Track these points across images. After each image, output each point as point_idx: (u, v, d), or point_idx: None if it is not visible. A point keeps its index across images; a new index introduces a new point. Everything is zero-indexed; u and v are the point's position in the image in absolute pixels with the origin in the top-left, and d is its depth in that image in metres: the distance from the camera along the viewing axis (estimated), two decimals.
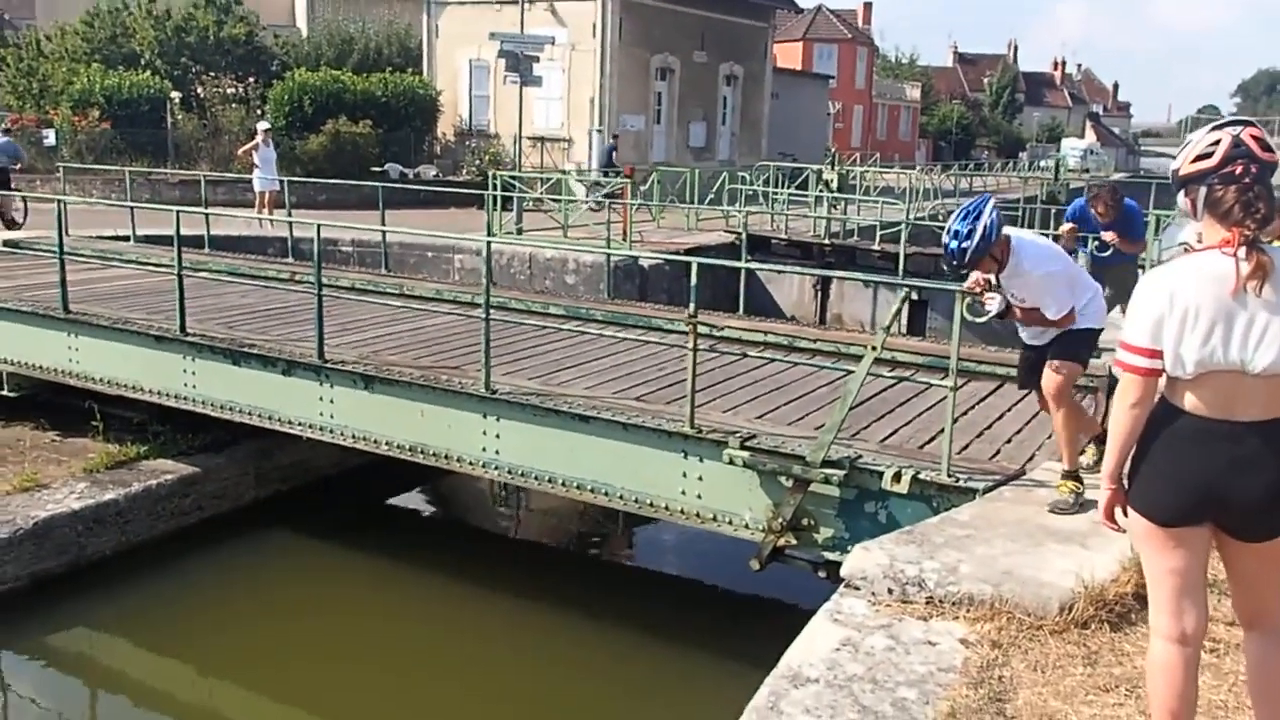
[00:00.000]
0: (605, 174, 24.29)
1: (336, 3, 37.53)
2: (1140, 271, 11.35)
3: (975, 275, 5.67)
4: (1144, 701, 3.76)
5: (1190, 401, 3.04)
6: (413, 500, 11.95)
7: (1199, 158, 3.10)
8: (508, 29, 24.70)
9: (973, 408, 8.04)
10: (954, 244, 5.33)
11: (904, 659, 4.11)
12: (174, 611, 8.83)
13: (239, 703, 7.86)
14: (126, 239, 15.69)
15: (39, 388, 10.69)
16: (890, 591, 4.65)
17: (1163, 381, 3.09)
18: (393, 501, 11.75)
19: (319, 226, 9.14)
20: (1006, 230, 5.47)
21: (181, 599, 8.99)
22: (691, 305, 7.10)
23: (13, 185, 18.40)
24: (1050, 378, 5.60)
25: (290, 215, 15.43)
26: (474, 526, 11.99)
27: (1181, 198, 3.16)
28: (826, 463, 6.42)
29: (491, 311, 7.98)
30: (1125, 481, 3.18)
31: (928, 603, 4.55)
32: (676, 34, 30.93)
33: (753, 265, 12.04)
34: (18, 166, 18.77)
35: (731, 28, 33.34)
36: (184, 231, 9.72)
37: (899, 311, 6.53)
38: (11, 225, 17.22)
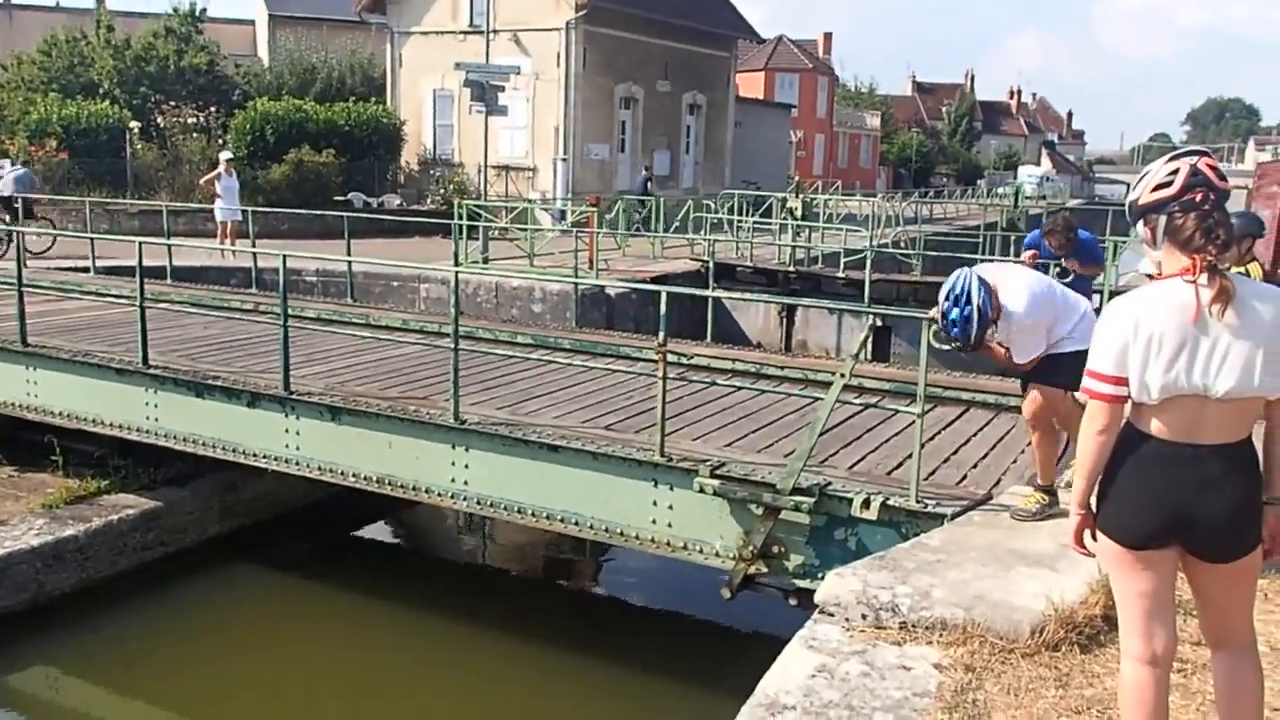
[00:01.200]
0: (642, 203, 24.96)
1: (298, 32, 37.52)
2: (1096, 298, 11.55)
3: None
4: None
5: (1156, 426, 3.08)
6: (379, 531, 11.86)
7: (1158, 186, 3.16)
8: (472, 58, 24.70)
9: (939, 433, 8.09)
10: (957, 331, 5.42)
11: (879, 684, 4.11)
12: (137, 648, 8.69)
13: None
14: (86, 270, 15.53)
15: None
16: (864, 617, 4.65)
17: (1128, 407, 3.13)
18: (359, 533, 11.65)
19: (284, 256, 9.05)
20: (992, 278, 5.51)
21: (144, 636, 8.86)
22: (661, 334, 7.11)
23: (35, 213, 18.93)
24: (1028, 403, 5.68)
25: (254, 245, 15.31)
26: (441, 558, 11.91)
27: (1141, 227, 3.22)
28: (796, 490, 6.44)
29: (460, 341, 7.95)
30: (1093, 507, 3.22)
31: (901, 628, 4.55)
32: (640, 63, 31.14)
33: (720, 294, 12.08)
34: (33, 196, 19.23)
35: (694, 57, 33.62)
36: (145, 262, 9.62)
37: (867, 339, 6.57)
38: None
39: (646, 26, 30.81)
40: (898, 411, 7.98)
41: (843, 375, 6.35)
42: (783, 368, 10.09)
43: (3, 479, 10.17)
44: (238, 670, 8.49)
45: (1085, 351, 5.71)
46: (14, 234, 17.10)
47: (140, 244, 9.98)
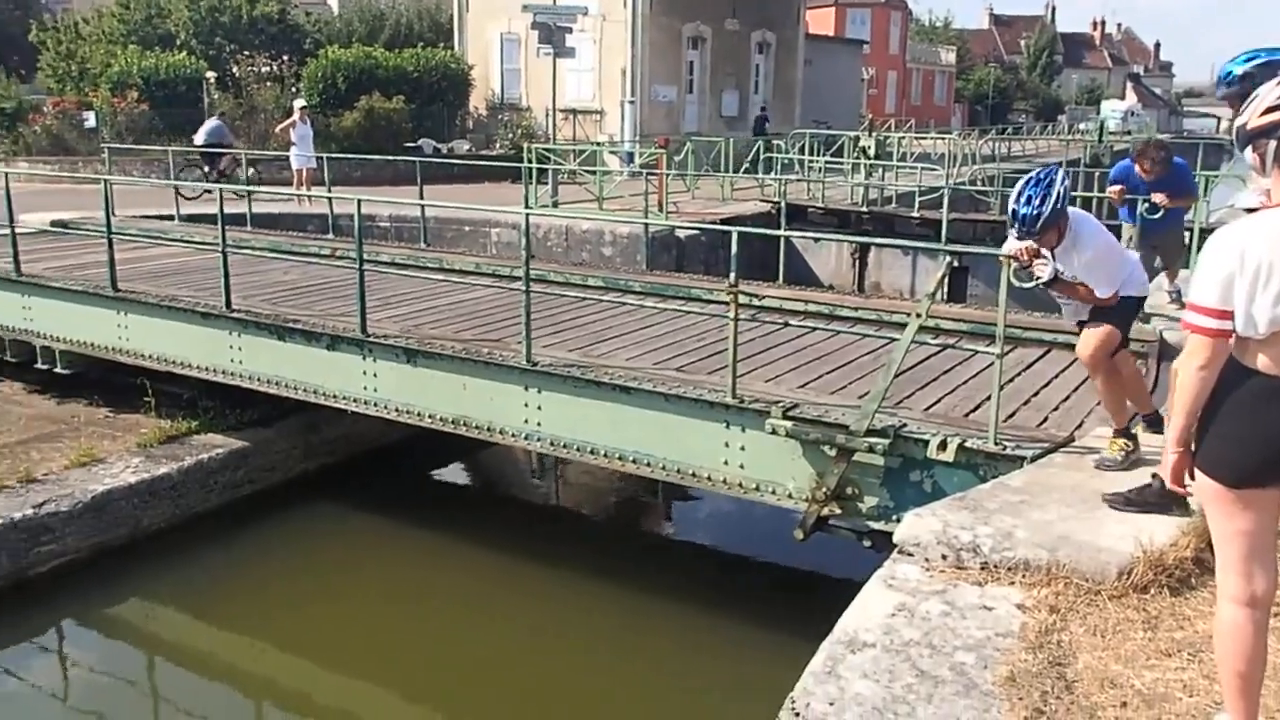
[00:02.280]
0: (765, 144, 24.75)
1: None
2: (1186, 237, 11.21)
3: (1022, 244, 5.60)
4: (1207, 665, 3.76)
5: (1261, 361, 3.00)
6: (454, 473, 12.07)
7: (1269, 110, 3.04)
8: (538, 1, 24.62)
9: (1019, 375, 7.98)
10: (1027, 210, 5.27)
11: (960, 624, 4.11)
12: (225, 581, 8.99)
13: (287, 667, 7.99)
14: (170, 219, 15.85)
15: (89, 365, 10.85)
16: (944, 557, 4.65)
17: (1232, 341, 3.05)
18: (435, 474, 11.86)
19: (359, 201, 9.17)
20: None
21: (233, 569, 9.16)
22: (732, 274, 7.07)
23: (221, 165, 20.06)
24: (1083, 340, 5.54)
25: (330, 191, 15.49)
26: (515, 498, 12.08)
27: (1249, 154, 3.11)
28: (871, 431, 6.38)
29: (531, 284, 7.99)
30: (1193, 445, 3.16)
31: (982, 568, 4.54)
32: (707, 2, 30.69)
33: (790, 234, 11.99)
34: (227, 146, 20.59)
35: None
36: (226, 210, 9.79)
37: (944, 278, 6.48)
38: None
39: None
40: (976, 353, 7.86)
41: (918, 315, 6.25)
42: (856, 309, 10.00)
43: (99, 420, 10.50)
44: (318, 602, 8.74)
45: (1135, 298, 5.61)
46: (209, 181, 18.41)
47: (221, 190, 10.14)
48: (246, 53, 29.99)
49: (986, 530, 4.71)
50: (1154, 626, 4.04)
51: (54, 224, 14.49)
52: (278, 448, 10.46)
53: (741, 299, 7.33)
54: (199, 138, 20.54)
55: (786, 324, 9.40)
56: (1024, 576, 4.44)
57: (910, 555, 4.75)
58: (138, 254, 12.45)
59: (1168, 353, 8.66)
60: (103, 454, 9.56)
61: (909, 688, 3.67)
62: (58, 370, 10.83)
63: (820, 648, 3.98)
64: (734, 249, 7.04)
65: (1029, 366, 8.26)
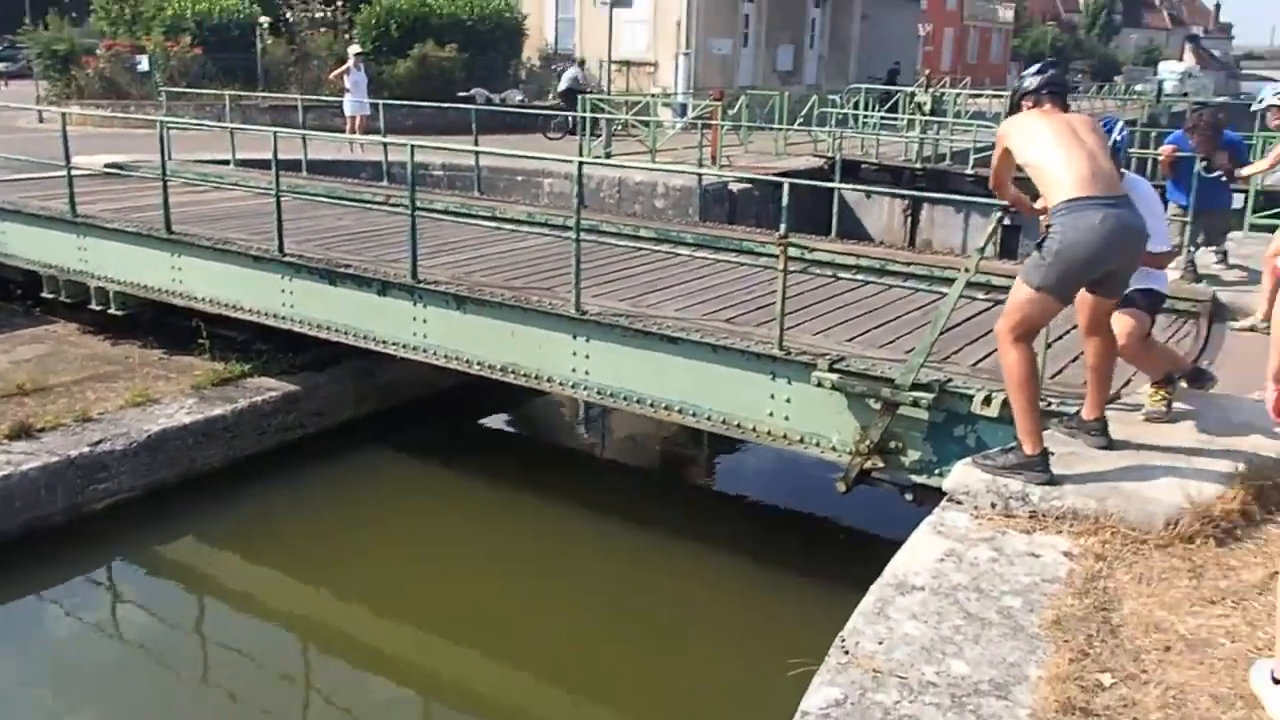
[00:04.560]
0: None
1: None
2: (1240, 197, 11.02)
3: None
4: (1250, 613, 3.78)
5: None
6: (503, 421, 12.19)
7: None
8: None
9: (1068, 332, 7.88)
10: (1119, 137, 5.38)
11: (1008, 569, 4.14)
12: (275, 523, 9.18)
13: (330, 609, 8.17)
14: (226, 163, 16.01)
15: (144, 307, 11.03)
16: (993, 505, 4.67)
17: None
18: (484, 422, 11.99)
19: (412, 148, 9.19)
20: None
21: (283, 511, 9.34)
22: (783, 226, 7.04)
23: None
24: (1117, 333, 5.31)
25: (385, 138, 15.57)
26: (562, 446, 12.19)
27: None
28: (915, 385, 6.36)
29: (584, 235, 8.01)
30: None
31: (1030, 517, 4.56)
32: None
33: (843, 186, 11.90)
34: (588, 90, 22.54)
35: None
36: (281, 156, 9.88)
37: (994, 233, 6.40)
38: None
39: None
40: None
41: (967, 270, 6.18)
42: (908, 264, 9.91)
43: (154, 361, 10.69)
44: (364, 548, 8.89)
45: (1160, 294, 5.56)
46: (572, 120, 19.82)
47: (275, 134, 10.24)
48: None
49: None
50: (1199, 575, 4.05)
51: (108, 166, 14.69)
52: (330, 393, 10.61)
53: (792, 252, 7.32)
54: (561, 84, 23.31)
55: (836, 278, 9.36)
56: (1071, 525, 4.46)
57: (959, 503, 4.78)
58: (193, 197, 12.61)
59: (1220, 313, 8.57)
60: (157, 395, 9.74)
61: (956, 629, 3.71)
62: (112, 311, 11.00)
63: (870, 589, 4.02)
64: (785, 201, 7.00)
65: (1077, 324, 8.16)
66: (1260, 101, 8.86)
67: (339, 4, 29.93)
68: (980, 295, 8.22)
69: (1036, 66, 5.35)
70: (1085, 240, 4.59)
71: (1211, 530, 4.34)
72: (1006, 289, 8.74)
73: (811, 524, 9.51)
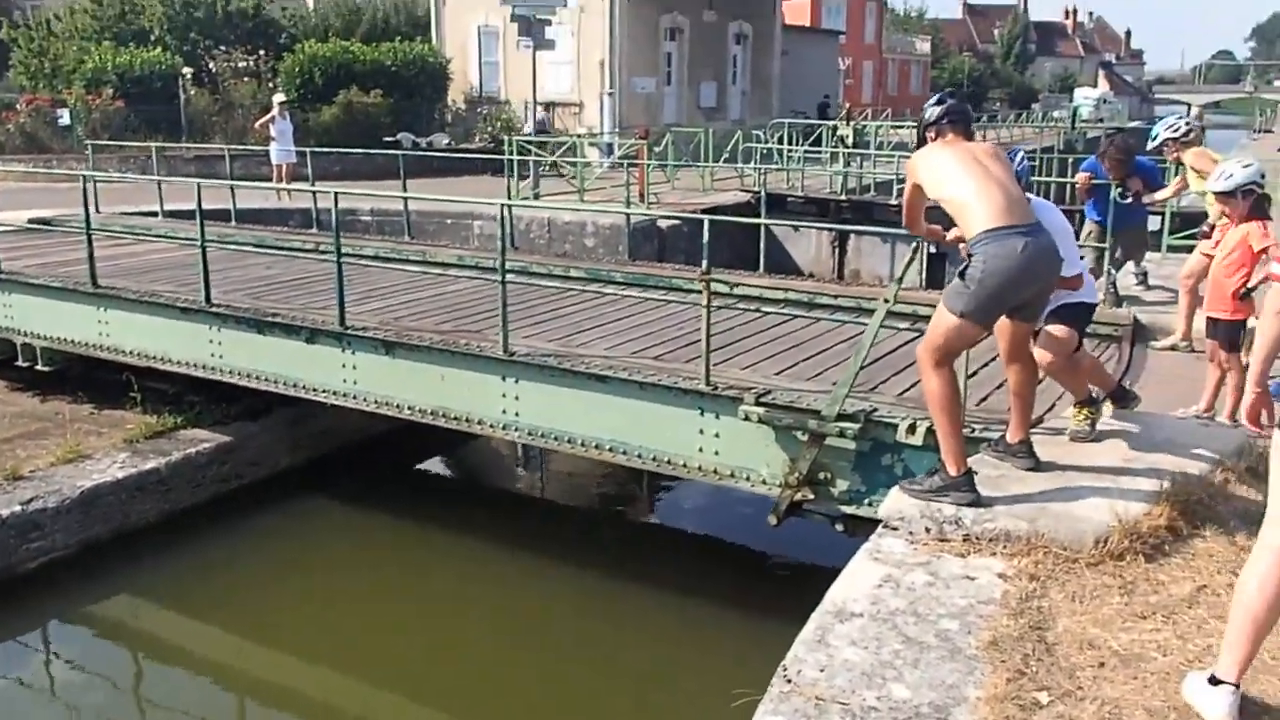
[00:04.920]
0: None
1: None
2: (1156, 219, 11.38)
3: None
4: (1180, 626, 3.90)
5: None
6: (440, 464, 12.13)
7: None
8: None
9: (994, 359, 8.04)
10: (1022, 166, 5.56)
11: (944, 593, 4.23)
12: (212, 576, 9.04)
13: (272, 662, 8.07)
14: (154, 214, 15.81)
15: (71, 362, 10.87)
16: (928, 530, 4.76)
17: None
18: (421, 466, 11.93)
19: (336, 195, 9.24)
20: None
21: (220, 564, 9.20)
22: (704, 263, 7.08)
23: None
24: (1041, 349, 5.41)
25: (314, 186, 15.49)
26: (498, 488, 12.16)
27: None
28: (841, 416, 6.43)
29: (512, 276, 8.04)
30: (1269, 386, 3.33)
31: (964, 540, 4.66)
32: None
33: (768, 221, 12.08)
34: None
35: None
36: (208, 206, 9.80)
37: (911, 262, 6.43)
38: None
39: None
40: None
41: (887, 300, 6.27)
42: (836, 296, 10.10)
43: (84, 416, 10.52)
44: (304, 598, 8.82)
45: (1088, 305, 5.67)
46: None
47: (199, 185, 10.14)
48: (222, 48, 29.81)
49: None
50: (1130, 591, 4.17)
51: (32, 221, 14.46)
52: (263, 442, 10.51)
53: (722, 288, 7.42)
54: (528, 127, 23.53)
55: (763, 312, 9.48)
56: (1004, 547, 4.56)
57: (895, 529, 4.87)
58: (120, 250, 12.46)
59: (1141, 334, 8.84)
60: (89, 450, 9.59)
61: (896, 653, 3.78)
62: (39, 367, 10.81)
63: (810, 617, 4.08)
64: (706, 237, 7.07)
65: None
66: (1154, 139, 9.19)
67: (262, 53, 29.81)
68: (905, 325, 8.36)
69: (936, 98, 5.48)
70: (1006, 268, 4.73)
71: (1140, 547, 4.46)
72: (926, 317, 8.98)
73: (749, 556, 9.59)
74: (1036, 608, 4.08)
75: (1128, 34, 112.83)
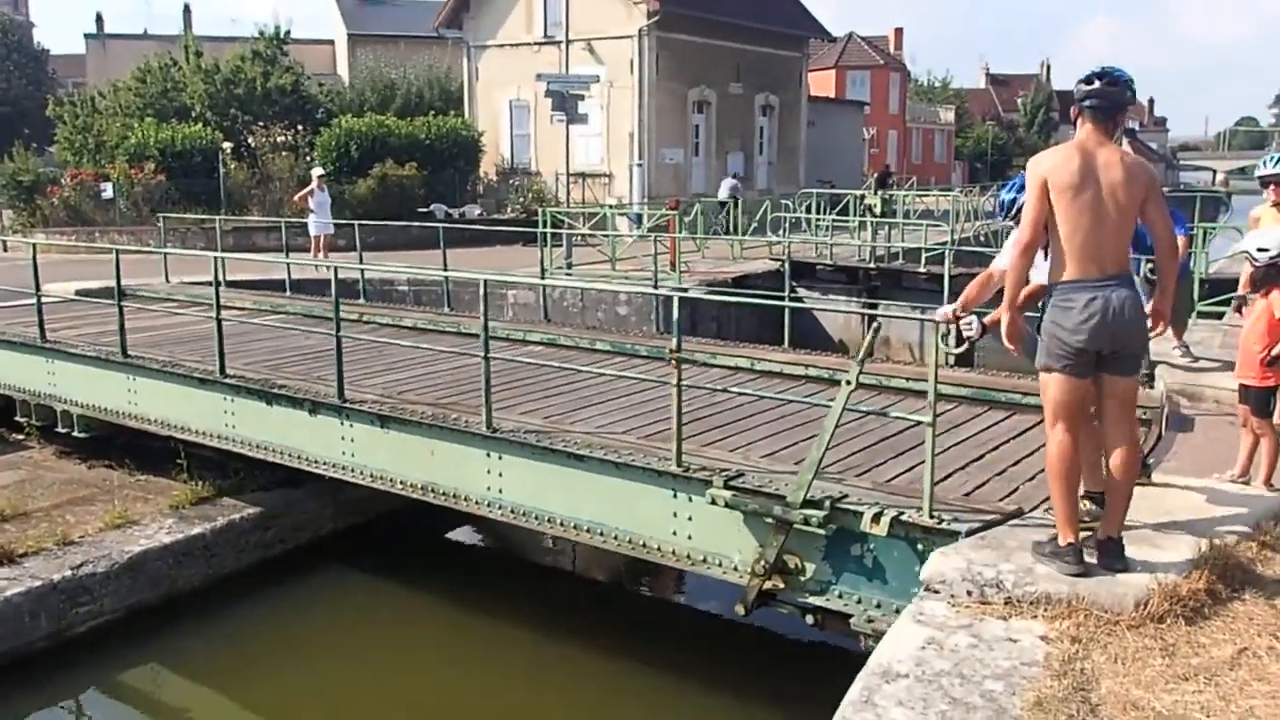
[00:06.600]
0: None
1: (377, 50, 38.52)
2: (1189, 292, 11.38)
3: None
4: (1223, 688, 3.96)
5: None
6: (468, 533, 12.01)
7: None
8: (547, 69, 25.24)
9: (1007, 442, 7.69)
10: (1008, 196, 5.78)
11: (988, 655, 4.32)
12: (255, 641, 9.14)
13: None
14: (208, 284, 16.05)
15: (111, 430, 11.05)
16: (969, 593, 4.85)
17: None
18: (451, 535, 11.89)
19: (335, 269, 9.40)
20: None
21: (263, 629, 9.32)
22: (675, 339, 6.91)
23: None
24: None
25: (361, 258, 15.79)
26: (528, 561, 11.93)
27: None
28: (807, 503, 6.07)
29: (539, 347, 7.93)
30: None
31: (1006, 603, 4.74)
32: (712, 67, 31.39)
33: (787, 304, 11.49)
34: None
35: (765, 59, 33.76)
36: (263, 277, 9.97)
37: (873, 342, 5.96)
38: None
39: (717, 30, 31.07)
40: (971, 417, 7.82)
41: (848, 382, 5.90)
42: (831, 370, 9.61)
43: (131, 483, 10.73)
44: (342, 664, 8.87)
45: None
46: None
47: (215, 260, 10.08)
48: (261, 124, 30.64)
49: (1009, 567, 4.92)
50: (1171, 654, 4.24)
51: (79, 293, 14.81)
52: (306, 508, 10.66)
53: (725, 361, 7.00)
54: (722, 193, 26.57)
55: (723, 390, 8.98)
56: (1045, 610, 4.64)
57: (936, 592, 4.96)
58: (161, 321, 12.71)
59: (1174, 407, 8.20)
60: (136, 515, 9.78)
61: (943, 714, 3.86)
62: (76, 434, 11.01)
63: (856, 678, 4.18)
64: (675, 314, 6.93)
65: (1023, 433, 7.92)
66: (1269, 163, 8.46)
67: (299, 128, 30.56)
68: (920, 404, 7.67)
69: (1089, 72, 4.78)
70: (1075, 323, 4.68)
71: (1180, 610, 4.54)
72: (954, 398, 8.52)
73: (765, 635, 9.13)
74: (1079, 669, 4.16)
75: (1150, 102, 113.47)
